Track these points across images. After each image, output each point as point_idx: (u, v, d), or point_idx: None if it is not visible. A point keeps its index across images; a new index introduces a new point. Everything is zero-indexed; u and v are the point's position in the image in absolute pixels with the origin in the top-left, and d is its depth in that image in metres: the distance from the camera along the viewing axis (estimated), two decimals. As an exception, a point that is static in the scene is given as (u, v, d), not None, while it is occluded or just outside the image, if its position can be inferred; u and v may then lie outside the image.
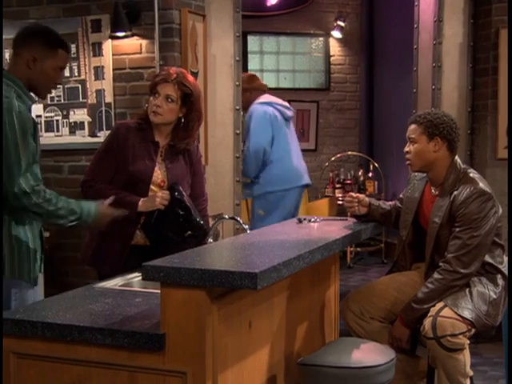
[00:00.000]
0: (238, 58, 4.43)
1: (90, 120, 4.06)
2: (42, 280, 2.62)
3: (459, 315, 2.59)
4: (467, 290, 2.69)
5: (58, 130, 4.13)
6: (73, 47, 4.03)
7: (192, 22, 3.98)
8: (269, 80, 6.76)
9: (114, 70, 3.99)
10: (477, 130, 5.00)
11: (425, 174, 2.90)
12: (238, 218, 2.70)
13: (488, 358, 4.06)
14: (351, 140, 6.84)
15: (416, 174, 2.95)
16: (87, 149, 4.08)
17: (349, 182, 6.30)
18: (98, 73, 3.99)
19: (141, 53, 3.94)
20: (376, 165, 6.44)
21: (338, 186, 6.32)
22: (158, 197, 2.78)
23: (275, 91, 6.73)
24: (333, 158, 6.67)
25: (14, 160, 2.34)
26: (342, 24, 6.67)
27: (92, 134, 4.07)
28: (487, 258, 2.74)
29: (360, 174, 6.37)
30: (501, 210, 2.85)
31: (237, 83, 4.44)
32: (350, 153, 6.64)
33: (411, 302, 2.66)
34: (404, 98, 5.92)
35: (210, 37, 4.31)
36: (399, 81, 6.01)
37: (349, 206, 2.86)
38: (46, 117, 4.14)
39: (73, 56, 4.03)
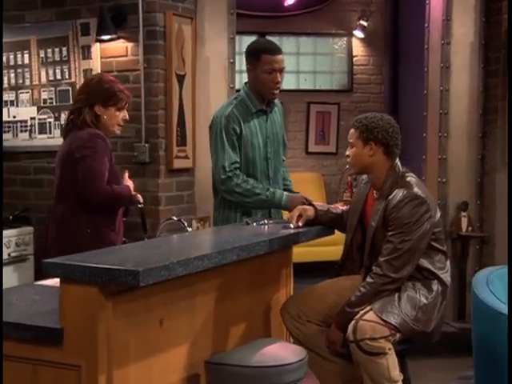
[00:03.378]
0: (231, 60, 4.57)
1: (80, 122, 4.27)
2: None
3: (382, 319, 2.64)
4: (396, 294, 2.73)
5: (50, 132, 4.38)
6: (64, 50, 4.28)
7: (178, 24, 4.15)
8: (288, 81, 6.85)
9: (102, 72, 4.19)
10: (488, 134, 4.97)
11: (367, 179, 2.96)
12: (182, 219, 2.83)
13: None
14: (375, 143, 6.86)
15: (363, 177, 3.01)
16: (77, 150, 4.30)
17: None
18: (87, 75, 4.21)
19: (127, 56, 4.15)
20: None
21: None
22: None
23: (295, 93, 6.85)
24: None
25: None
26: (364, 23, 6.70)
27: (81, 136, 4.28)
28: (425, 264, 2.78)
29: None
30: (438, 215, 2.87)
31: (231, 85, 4.57)
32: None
33: (345, 305, 2.73)
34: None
35: (203, 39, 4.48)
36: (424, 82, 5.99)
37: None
38: (40, 119, 4.40)
39: (64, 59, 4.28)
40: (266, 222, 2.94)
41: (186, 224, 2.82)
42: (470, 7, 4.92)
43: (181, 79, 4.19)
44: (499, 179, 4.86)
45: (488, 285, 3.24)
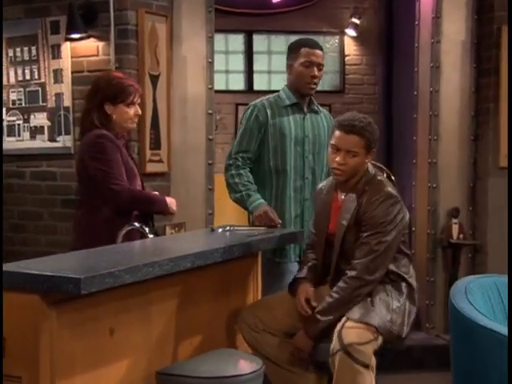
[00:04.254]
0: (210, 60, 4.60)
1: (50, 124, 4.32)
2: None
3: (364, 322, 2.67)
4: (369, 299, 2.76)
5: (19, 135, 4.41)
6: (33, 49, 4.32)
7: (151, 23, 4.19)
8: (277, 82, 6.88)
9: (72, 72, 4.24)
10: (480, 137, 4.99)
11: (329, 188, 2.98)
12: (144, 226, 2.86)
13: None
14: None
15: (323, 188, 3.03)
16: (47, 154, 4.35)
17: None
18: (57, 76, 4.26)
19: (98, 55, 4.18)
20: (390, 173, 6.45)
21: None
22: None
23: (284, 94, 6.88)
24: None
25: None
26: (357, 21, 6.73)
27: (51, 139, 4.33)
28: (392, 267, 2.81)
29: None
30: (407, 216, 2.90)
31: (209, 86, 4.60)
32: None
33: (316, 312, 2.75)
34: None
35: (180, 38, 4.51)
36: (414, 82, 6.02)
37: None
38: (8, 121, 4.43)
39: (33, 58, 4.33)
40: (231, 228, 2.96)
41: (147, 231, 2.85)
42: (461, 4, 4.94)
43: (154, 80, 4.23)
44: (492, 184, 4.88)
45: (466, 294, 3.26)
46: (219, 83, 6.65)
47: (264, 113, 3.50)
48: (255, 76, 6.81)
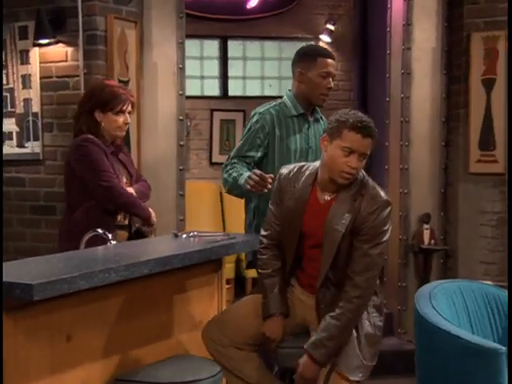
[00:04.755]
0: (181, 66, 4.62)
1: (18, 130, 4.32)
2: None
3: (349, 380, 2.63)
4: (355, 336, 2.69)
5: (-12, 141, 4.40)
6: (1, 55, 4.31)
7: (120, 28, 4.20)
8: (252, 87, 6.93)
9: (41, 78, 4.25)
10: (451, 143, 5.04)
11: (304, 182, 2.77)
12: (107, 232, 2.87)
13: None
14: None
15: (293, 178, 2.81)
16: (16, 160, 4.35)
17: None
18: (26, 81, 4.26)
19: (66, 61, 4.19)
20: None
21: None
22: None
23: (259, 99, 6.89)
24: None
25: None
26: (331, 27, 6.77)
27: (20, 145, 4.33)
28: None
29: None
30: None
31: (180, 92, 4.62)
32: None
33: (323, 339, 2.61)
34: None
35: (150, 43, 4.53)
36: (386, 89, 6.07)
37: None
38: (-22, 127, 4.42)
39: (1, 64, 4.31)
40: (195, 234, 2.98)
41: (110, 236, 2.86)
42: (431, 12, 5.00)
43: (125, 86, 4.23)
44: (462, 190, 4.93)
45: (430, 299, 3.29)
46: (194, 89, 6.71)
47: (271, 123, 3.36)
48: (230, 82, 6.83)
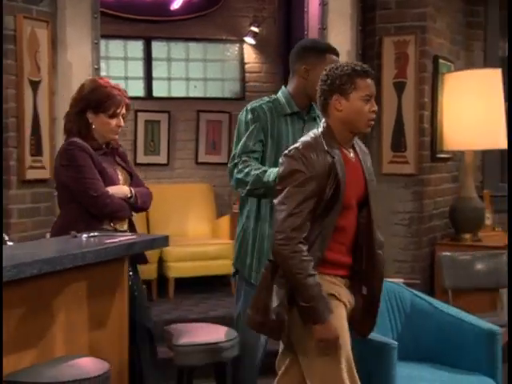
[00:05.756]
0: (96, 66, 4.61)
1: None
2: None
3: None
4: None
5: None
6: None
7: (31, 28, 4.16)
8: (177, 88, 6.94)
9: (-50, 78, 4.16)
10: (365, 144, 5.12)
11: (330, 146, 2.64)
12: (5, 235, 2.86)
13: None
14: (268, 153, 6.99)
15: (321, 149, 2.62)
16: None
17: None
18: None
19: (-25, 60, 4.12)
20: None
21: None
22: None
23: (184, 100, 6.93)
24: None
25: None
26: (256, 30, 6.84)
27: None
28: None
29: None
30: None
31: (95, 92, 4.60)
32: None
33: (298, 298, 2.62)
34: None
35: (64, 43, 4.51)
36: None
37: None
38: None
39: None
40: (95, 234, 2.97)
41: (7, 238, 2.84)
42: (346, 16, 5.10)
43: (35, 86, 4.20)
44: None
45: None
46: (119, 89, 6.68)
47: (264, 118, 3.14)
48: (154, 83, 6.83)
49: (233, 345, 3.18)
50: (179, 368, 3.16)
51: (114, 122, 3.16)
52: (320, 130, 2.70)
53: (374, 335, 3.17)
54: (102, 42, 6.28)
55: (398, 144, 4.98)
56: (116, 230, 3.21)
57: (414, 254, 5.03)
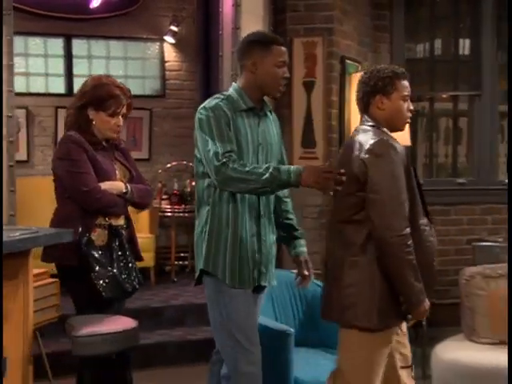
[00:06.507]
0: (10, 63, 4.62)
1: None
2: None
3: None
4: None
5: None
6: None
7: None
8: (99, 86, 6.95)
9: None
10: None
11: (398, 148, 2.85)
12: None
13: None
14: (188, 149, 7.05)
15: (395, 152, 2.80)
16: None
17: (175, 192, 6.53)
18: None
19: None
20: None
21: (164, 197, 6.54)
22: None
23: (105, 98, 6.96)
24: (168, 165, 6.89)
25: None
26: (175, 29, 6.93)
27: None
28: None
29: (187, 184, 6.59)
30: None
31: (9, 89, 4.60)
32: (184, 162, 6.85)
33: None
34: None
35: (-23, 40, 4.50)
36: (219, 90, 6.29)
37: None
38: None
39: None
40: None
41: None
42: (258, 17, 5.23)
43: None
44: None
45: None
46: (39, 86, 6.68)
47: (226, 117, 2.95)
48: (75, 80, 6.84)
49: (126, 336, 3.08)
50: (80, 359, 3.17)
51: (113, 120, 3.22)
52: (370, 125, 2.86)
53: (274, 323, 3.34)
54: (20, 39, 6.37)
55: (308, 140, 5.16)
56: (111, 225, 3.25)
57: (322, 246, 5.19)
